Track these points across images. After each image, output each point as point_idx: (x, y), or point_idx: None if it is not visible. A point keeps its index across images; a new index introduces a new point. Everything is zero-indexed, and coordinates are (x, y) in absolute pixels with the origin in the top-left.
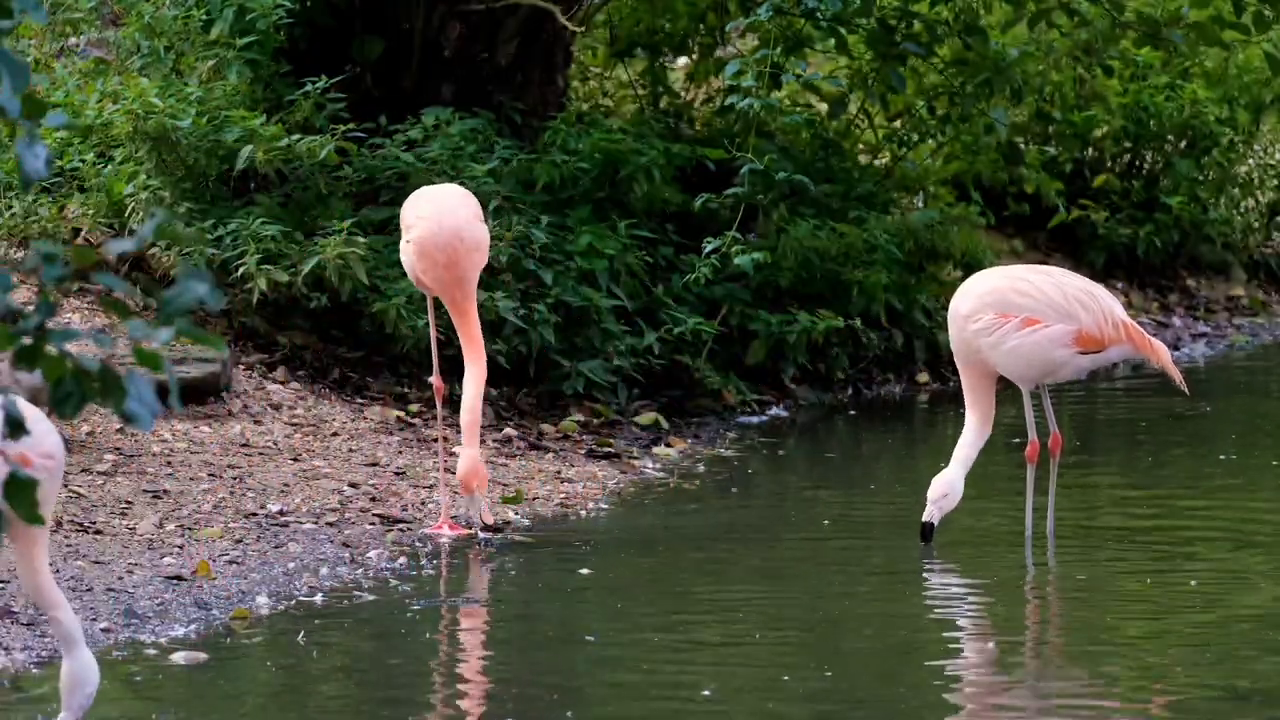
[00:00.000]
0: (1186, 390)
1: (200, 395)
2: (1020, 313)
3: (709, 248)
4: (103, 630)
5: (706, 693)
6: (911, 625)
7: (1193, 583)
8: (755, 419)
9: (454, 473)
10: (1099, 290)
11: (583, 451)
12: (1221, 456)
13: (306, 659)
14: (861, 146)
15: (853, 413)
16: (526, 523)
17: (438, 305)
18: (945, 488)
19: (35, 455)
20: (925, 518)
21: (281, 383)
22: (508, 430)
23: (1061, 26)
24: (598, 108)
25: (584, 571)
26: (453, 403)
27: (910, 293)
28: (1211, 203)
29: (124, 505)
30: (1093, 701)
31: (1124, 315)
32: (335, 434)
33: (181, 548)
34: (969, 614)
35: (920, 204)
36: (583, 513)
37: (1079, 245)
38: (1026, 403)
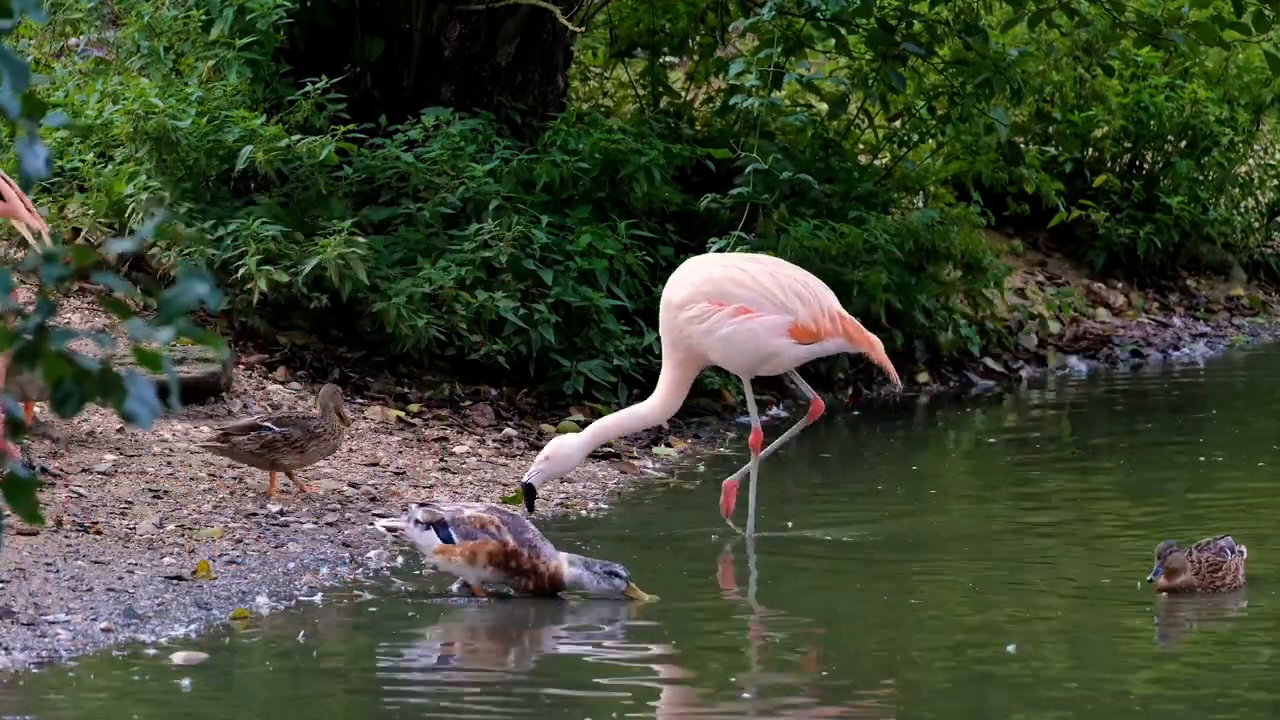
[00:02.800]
0: (899, 386)
1: (200, 395)
2: (735, 302)
3: (714, 249)
4: (103, 630)
5: (708, 690)
6: (912, 624)
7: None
8: None
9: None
10: (815, 282)
11: None
12: (1219, 458)
13: (306, 659)
14: (861, 146)
15: (853, 413)
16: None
17: None
18: (554, 450)
19: None
20: (526, 478)
21: (281, 383)
22: (508, 430)
23: (1061, 26)
24: (598, 108)
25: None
26: (453, 402)
27: (910, 293)
28: (1211, 203)
29: (124, 505)
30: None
31: (839, 307)
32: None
33: (181, 547)
34: (968, 613)
35: (920, 204)
36: (583, 513)
37: (1079, 245)
38: (748, 391)
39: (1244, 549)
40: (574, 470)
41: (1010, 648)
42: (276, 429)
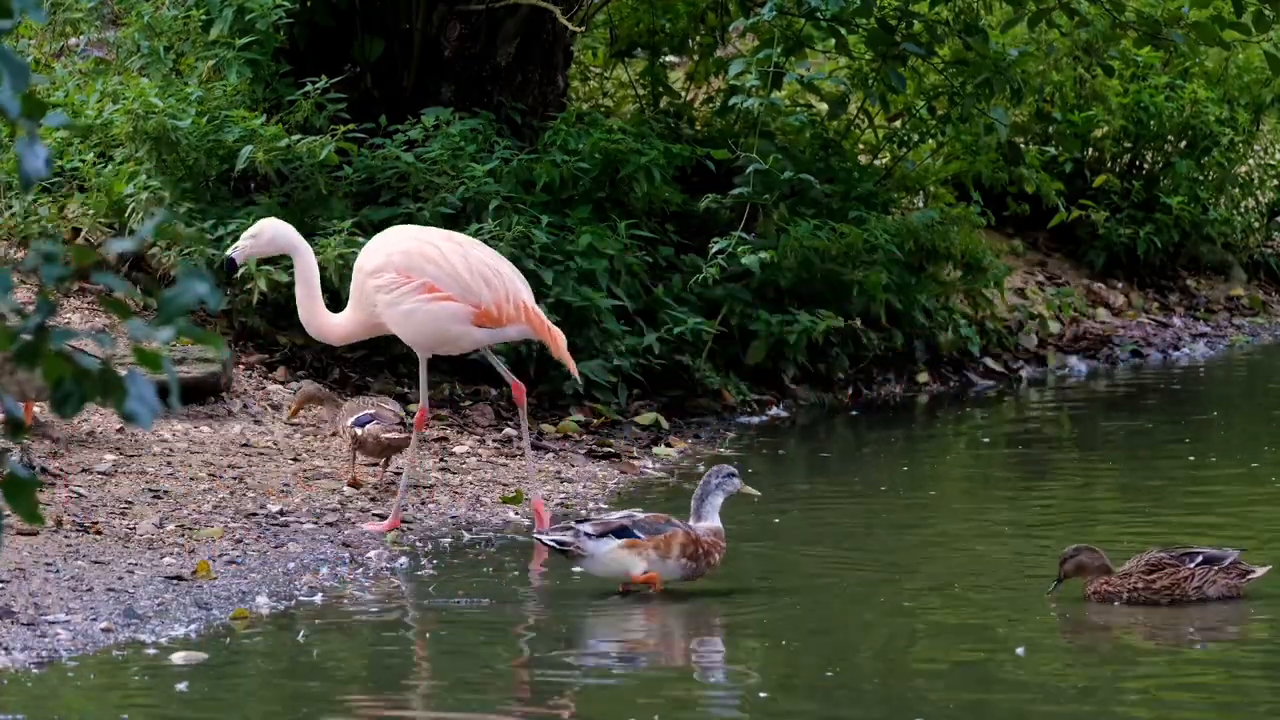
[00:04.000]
0: (579, 380)
1: (200, 395)
2: (423, 277)
3: (715, 248)
4: (103, 630)
5: (708, 691)
6: (912, 623)
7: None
8: (755, 419)
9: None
10: (506, 268)
11: (583, 451)
12: (1218, 459)
13: (306, 659)
14: (861, 146)
15: (853, 413)
16: (527, 523)
17: None
18: (262, 229)
19: None
20: (229, 252)
21: (281, 383)
22: (508, 430)
23: (1061, 26)
24: (598, 108)
25: (579, 569)
26: (453, 402)
27: (910, 293)
28: (1211, 203)
29: (124, 505)
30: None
31: (528, 297)
32: (335, 434)
33: (181, 547)
34: (964, 611)
35: (920, 204)
36: (583, 513)
37: (1079, 245)
38: (422, 370)
39: (1224, 558)
40: (275, 251)
41: (1020, 650)
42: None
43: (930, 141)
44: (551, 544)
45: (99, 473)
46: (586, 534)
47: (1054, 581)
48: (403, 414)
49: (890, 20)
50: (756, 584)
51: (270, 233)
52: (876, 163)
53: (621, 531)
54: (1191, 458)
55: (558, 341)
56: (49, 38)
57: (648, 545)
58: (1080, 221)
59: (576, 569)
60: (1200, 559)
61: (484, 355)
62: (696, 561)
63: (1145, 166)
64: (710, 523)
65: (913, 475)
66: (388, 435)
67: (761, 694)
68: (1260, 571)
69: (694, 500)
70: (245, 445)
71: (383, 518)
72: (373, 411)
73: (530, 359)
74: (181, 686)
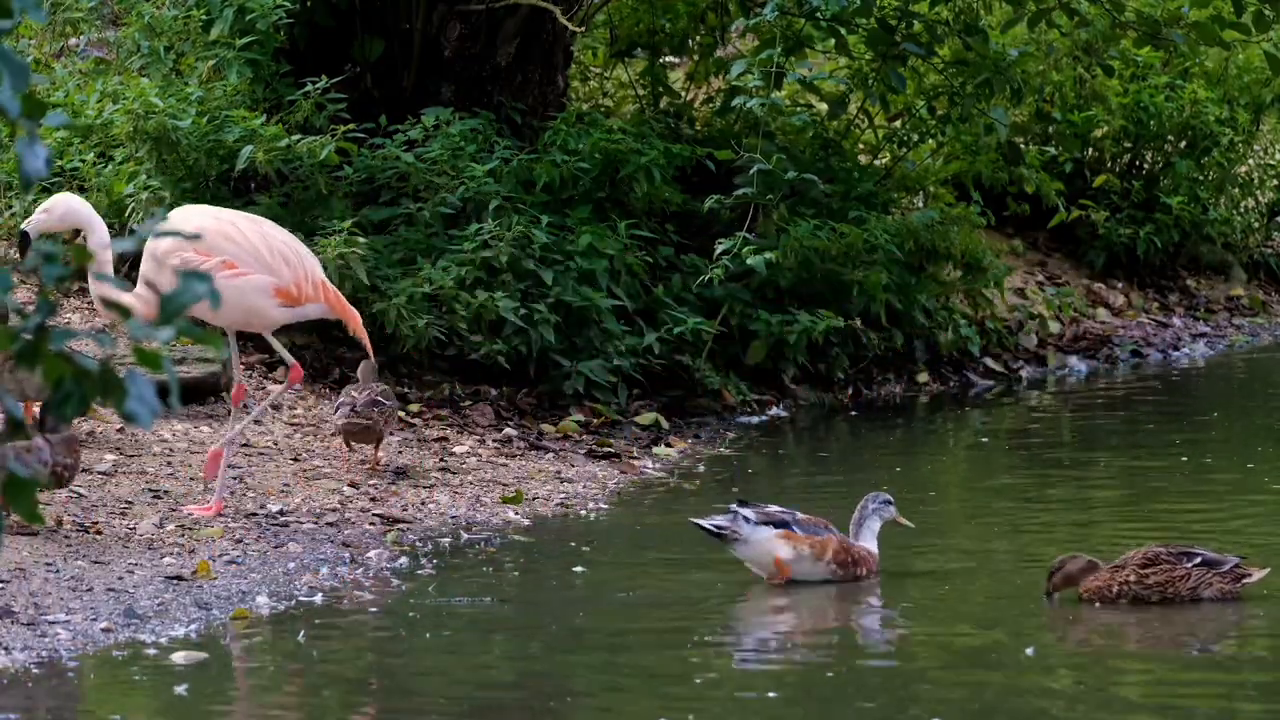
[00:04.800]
0: (374, 361)
1: (200, 395)
2: (223, 255)
3: (720, 249)
4: (103, 630)
5: (707, 692)
6: (912, 622)
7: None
8: (755, 419)
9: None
10: (302, 249)
11: (583, 451)
12: (1218, 459)
13: (306, 659)
14: (861, 146)
15: (853, 413)
16: (527, 523)
17: None
18: (56, 203)
19: None
20: (24, 225)
21: (281, 383)
22: (508, 430)
23: (1061, 26)
24: (598, 108)
25: (581, 569)
26: (453, 402)
27: (910, 293)
28: (1211, 203)
29: (124, 505)
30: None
31: (323, 276)
32: (335, 434)
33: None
34: (964, 611)
35: (920, 204)
36: (583, 513)
37: (1079, 245)
38: (233, 344)
39: (1223, 563)
40: (67, 227)
41: (1029, 651)
42: (388, 402)
43: (930, 141)
44: (710, 528)
45: (99, 473)
46: (746, 518)
47: (1045, 595)
48: (378, 397)
49: (890, 20)
50: (756, 584)
51: (63, 208)
52: (876, 163)
53: (781, 524)
54: (1193, 458)
55: (355, 320)
56: (49, 38)
57: (804, 542)
58: (1080, 221)
59: (732, 552)
60: (1199, 560)
61: (267, 339)
62: (845, 569)
63: (1145, 166)
64: (867, 545)
65: (912, 475)
66: (341, 420)
67: (759, 695)
68: (1258, 575)
69: (851, 525)
70: (245, 445)
71: (383, 517)
72: (344, 399)
73: (530, 359)
74: (181, 688)
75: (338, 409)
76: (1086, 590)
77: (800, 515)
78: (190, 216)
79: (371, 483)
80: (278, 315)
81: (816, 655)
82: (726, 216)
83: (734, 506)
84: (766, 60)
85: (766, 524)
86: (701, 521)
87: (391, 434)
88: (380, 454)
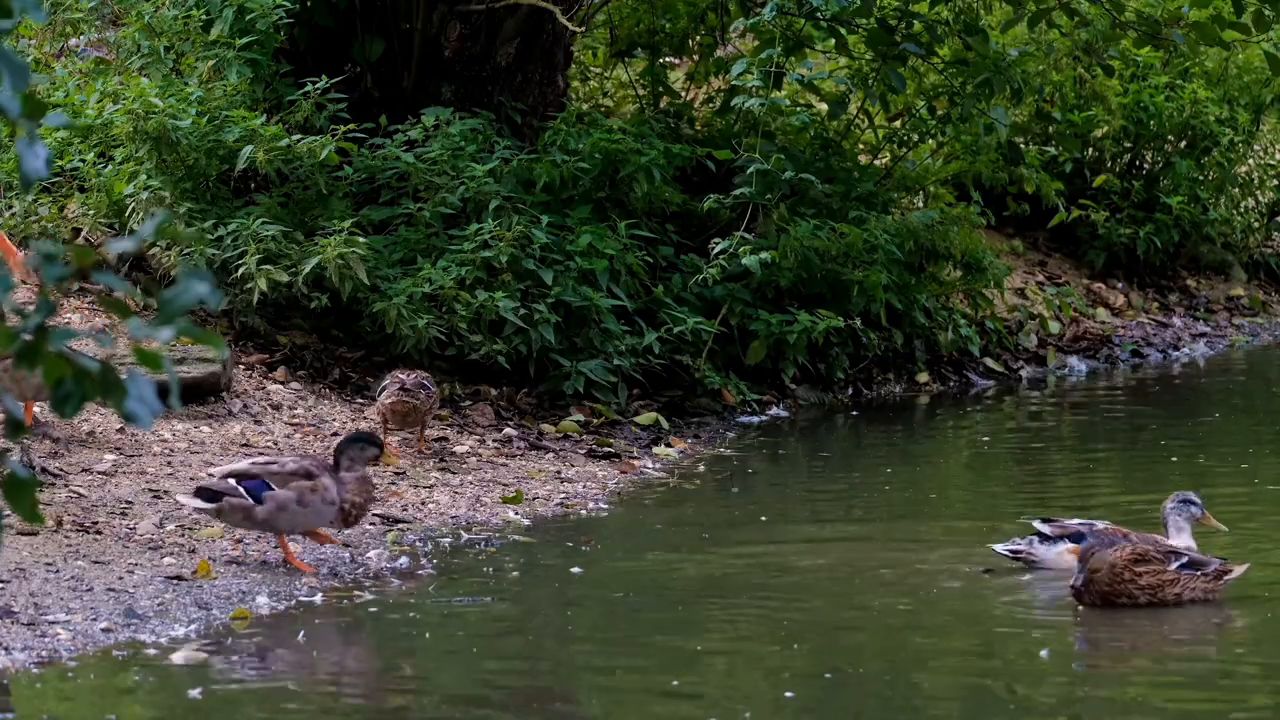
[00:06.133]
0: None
1: (200, 395)
2: None
3: (718, 249)
4: (103, 630)
5: (707, 693)
6: (913, 623)
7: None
8: (755, 419)
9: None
10: None
11: (583, 451)
12: (1218, 459)
13: (306, 659)
14: (861, 146)
15: (853, 413)
16: (527, 523)
17: None
18: None
19: None
20: None
21: (281, 383)
22: (508, 430)
23: (1061, 26)
24: (598, 108)
25: (581, 570)
26: (453, 402)
27: (910, 293)
28: (1211, 203)
29: (124, 505)
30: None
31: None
32: (335, 434)
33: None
34: (965, 611)
35: (920, 204)
36: (583, 513)
37: (1079, 245)
38: None
39: (1214, 563)
40: None
41: (1043, 653)
42: (432, 387)
43: (930, 141)
44: (1006, 553)
45: (99, 473)
46: (1041, 536)
47: (1074, 579)
48: (425, 381)
49: (890, 20)
50: (756, 585)
51: None
52: (876, 163)
53: (1077, 537)
54: (1192, 458)
55: (14, 256)
56: (49, 38)
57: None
58: (1080, 221)
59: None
60: (1184, 561)
61: None
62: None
63: (1145, 166)
64: (1182, 540)
65: (913, 475)
66: (390, 399)
67: (763, 695)
68: (1238, 571)
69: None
70: (245, 445)
71: (383, 517)
72: (390, 380)
73: (530, 359)
74: (181, 686)
75: (383, 390)
76: (1073, 586)
77: (1099, 525)
78: None
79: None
80: None
81: (816, 655)
82: (726, 216)
83: (1035, 523)
84: (766, 60)
85: (1060, 539)
86: (998, 547)
87: (434, 419)
88: (426, 433)
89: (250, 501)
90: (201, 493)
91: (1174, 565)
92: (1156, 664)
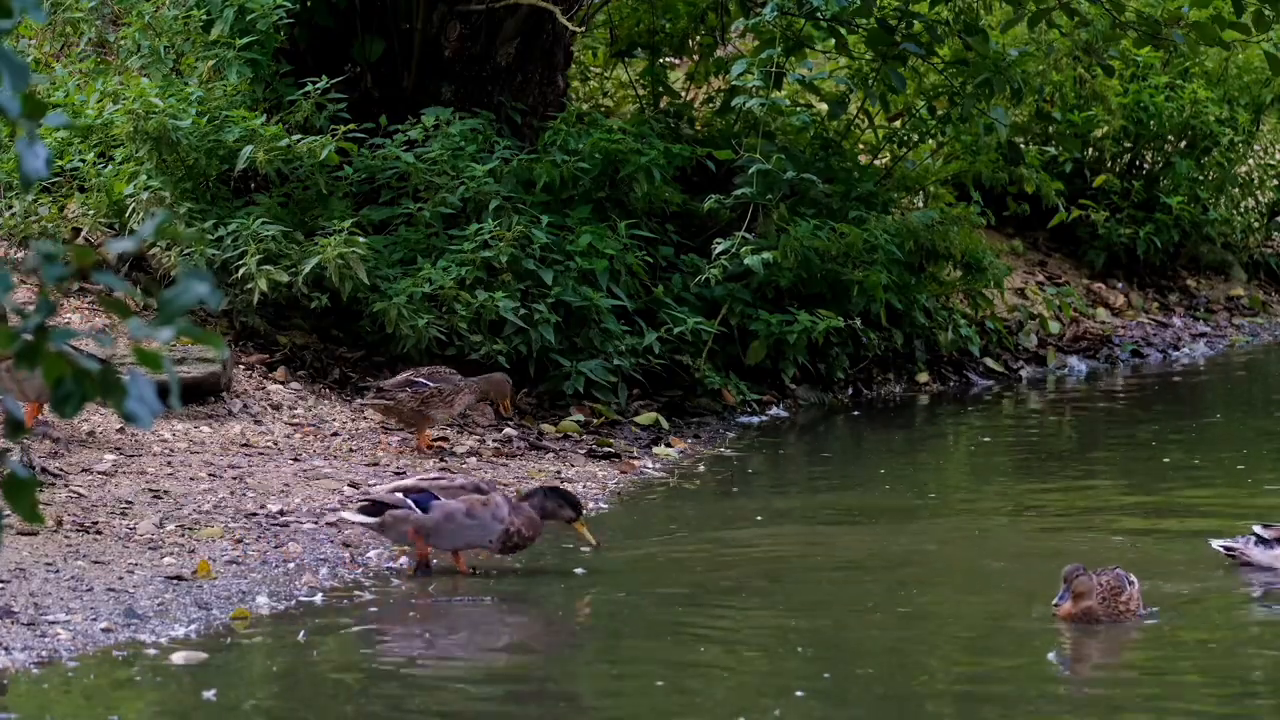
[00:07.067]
0: None
1: (200, 395)
2: None
3: (719, 249)
4: (103, 630)
5: (708, 692)
6: (912, 622)
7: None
8: (755, 419)
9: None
10: None
11: (583, 451)
12: (1218, 459)
13: (306, 659)
14: (861, 146)
15: (853, 413)
16: None
17: None
18: None
19: None
20: None
21: (281, 383)
22: (508, 430)
23: (1061, 26)
24: (598, 108)
25: (581, 570)
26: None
27: (910, 293)
28: (1211, 203)
29: (124, 505)
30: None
31: None
32: (335, 434)
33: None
34: (965, 612)
35: (920, 204)
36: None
37: (1079, 245)
38: None
39: (1136, 580)
40: None
41: (1051, 655)
42: (430, 384)
43: (930, 141)
44: (1222, 549)
45: (99, 473)
46: (1258, 538)
47: (1058, 596)
48: (414, 379)
49: (890, 20)
50: (757, 585)
51: None
52: (876, 163)
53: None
54: (1192, 458)
55: None
56: (49, 38)
57: None
58: (1080, 221)
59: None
60: (1129, 578)
61: None
62: None
63: (1145, 166)
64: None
65: (913, 475)
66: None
67: (764, 695)
68: (1139, 583)
69: None
70: (245, 445)
71: (1219, 539)
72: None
73: (530, 359)
74: (181, 686)
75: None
76: (1070, 616)
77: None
78: None
79: (371, 483)
80: None
81: (816, 655)
82: (726, 216)
83: (1255, 527)
84: (766, 60)
85: (1278, 541)
86: (1215, 542)
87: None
88: (427, 439)
89: (417, 513)
90: (366, 508)
91: None
92: (1157, 664)
